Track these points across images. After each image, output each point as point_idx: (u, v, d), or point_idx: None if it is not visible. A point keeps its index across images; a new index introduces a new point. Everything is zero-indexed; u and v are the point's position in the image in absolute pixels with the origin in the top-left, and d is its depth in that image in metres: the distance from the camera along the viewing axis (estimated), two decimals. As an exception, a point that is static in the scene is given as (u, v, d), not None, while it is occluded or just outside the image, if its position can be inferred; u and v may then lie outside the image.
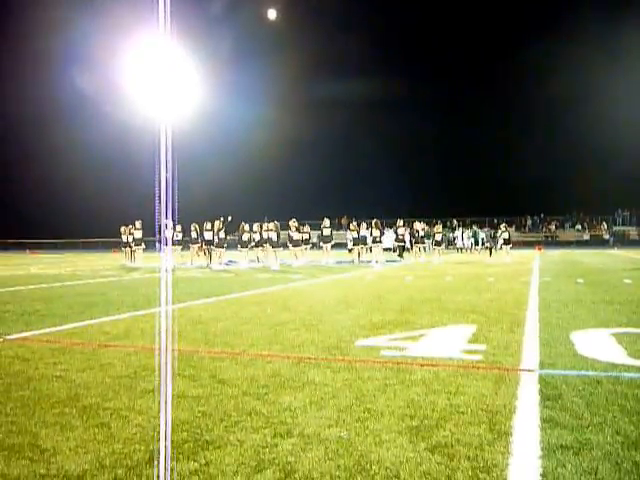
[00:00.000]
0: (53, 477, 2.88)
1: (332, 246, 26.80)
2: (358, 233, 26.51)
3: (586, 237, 50.76)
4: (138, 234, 25.71)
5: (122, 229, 26.51)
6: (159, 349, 5.91)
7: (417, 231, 28.06)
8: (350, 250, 28.21)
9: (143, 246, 26.17)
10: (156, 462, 3.03)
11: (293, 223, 25.52)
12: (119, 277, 17.97)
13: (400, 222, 28.85)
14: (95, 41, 44.30)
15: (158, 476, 2.87)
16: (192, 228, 25.58)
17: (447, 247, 30.58)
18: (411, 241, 28.93)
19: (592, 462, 2.98)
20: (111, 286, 14.46)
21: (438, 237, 27.63)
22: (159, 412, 3.88)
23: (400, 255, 28.97)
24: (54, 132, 56.42)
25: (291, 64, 53.12)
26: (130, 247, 26.02)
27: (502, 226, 28.57)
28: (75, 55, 51.31)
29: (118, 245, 25.78)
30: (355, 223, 27.40)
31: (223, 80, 51.61)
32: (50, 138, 56.66)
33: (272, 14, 35.78)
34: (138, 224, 25.91)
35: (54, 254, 47.33)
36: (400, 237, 28.94)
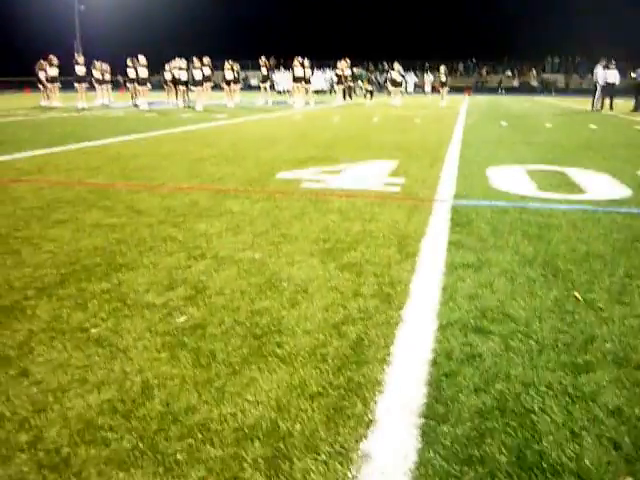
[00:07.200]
0: (-41, 298, 2.84)
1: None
2: (267, 70, 25.72)
3: (515, 83, 51.04)
4: (53, 71, 23.78)
5: (38, 65, 24.27)
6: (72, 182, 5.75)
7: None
8: (264, 88, 26.47)
9: (59, 84, 24.41)
10: (66, 283, 3.03)
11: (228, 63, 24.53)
12: (33, 116, 16.98)
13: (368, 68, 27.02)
14: None
15: (69, 295, 2.88)
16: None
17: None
18: (339, 82, 27.98)
19: (489, 277, 3.17)
20: (24, 125, 13.69)
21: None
22: (71, 240, 3.83)
23: (368, 95, 28.06)
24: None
25: None
26: (45, 86, 24.14)
27: (442, 69, 28.21)
28: None
29: (33, 84, 23.78)
30: (264, 59, 26.00)
31: None
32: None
33: None
34: (54, 60, 23.85)
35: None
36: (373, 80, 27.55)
